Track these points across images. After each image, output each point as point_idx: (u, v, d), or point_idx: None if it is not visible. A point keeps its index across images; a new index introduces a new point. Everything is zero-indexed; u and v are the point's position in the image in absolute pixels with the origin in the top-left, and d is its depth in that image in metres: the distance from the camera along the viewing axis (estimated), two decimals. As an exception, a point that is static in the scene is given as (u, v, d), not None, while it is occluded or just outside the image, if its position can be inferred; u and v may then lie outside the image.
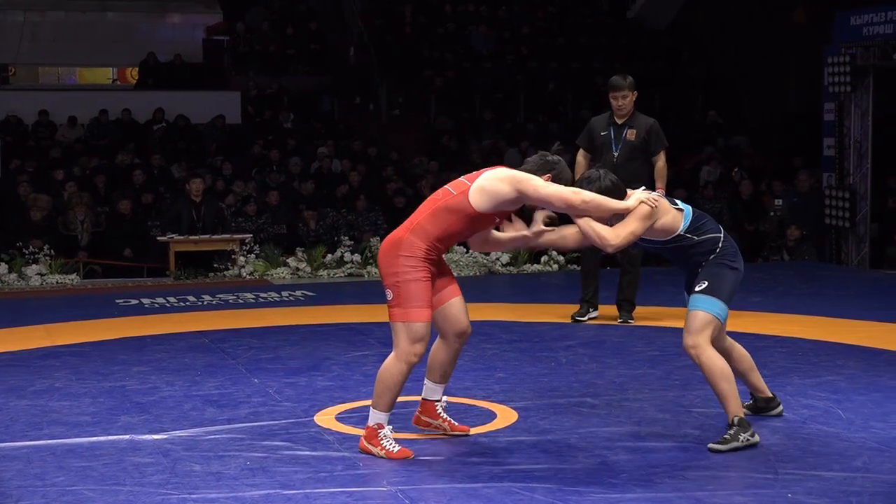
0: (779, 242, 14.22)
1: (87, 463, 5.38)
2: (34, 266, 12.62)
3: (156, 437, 5.84)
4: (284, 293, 11.36)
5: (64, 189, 15.54)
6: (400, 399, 5.53)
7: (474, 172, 5.54)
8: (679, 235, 5.64)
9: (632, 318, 9.20)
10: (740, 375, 5.92)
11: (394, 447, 5.39)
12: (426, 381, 5.77)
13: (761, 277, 11.97)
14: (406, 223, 5.50)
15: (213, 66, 22.16)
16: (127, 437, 5.86)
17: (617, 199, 5.49)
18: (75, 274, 12.85)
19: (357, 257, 13.08)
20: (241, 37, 22.22)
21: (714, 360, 5.53)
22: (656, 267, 13.42)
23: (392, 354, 5.42)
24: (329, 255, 13.20)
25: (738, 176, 16.83)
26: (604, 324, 9.17)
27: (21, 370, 7.62)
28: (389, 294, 5.40)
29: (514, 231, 5.69)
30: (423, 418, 5.81)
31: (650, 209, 5.50)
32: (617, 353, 7.97)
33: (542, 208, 5.54)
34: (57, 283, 12.49)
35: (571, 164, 9.31)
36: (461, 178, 5.54)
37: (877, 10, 13.75)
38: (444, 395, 5.83)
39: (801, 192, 15.11)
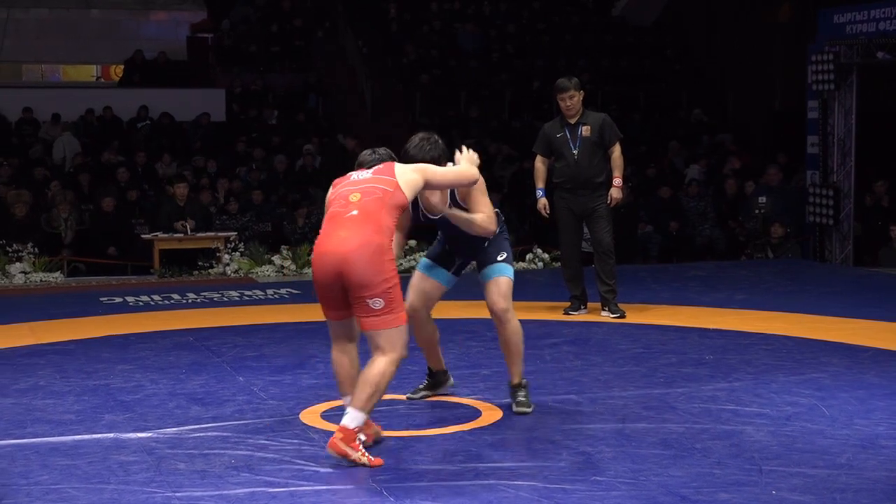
0: (763, 240, 14.25)
1: (71, 461, 5.37)
2: (18, 264, 12.58)
3: (140, 435, 5.83)
4: (269, 291, 11.35)
5: (48, 188, 15.49)
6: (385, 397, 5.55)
7: (376, 168, 5.52)
8: None
9: (621, 312, 9.26)
10: (430, 346, 6.39)
11: (371, 456, 5.25)
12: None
13: (745, 275, 12.00)
14: (370, 225, 5.23)
15: (198, 64, 22.09)
16: (111, 435, 5.84)
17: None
18: (59, 272, 12.82)
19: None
20: (225, 34, 22.17)
21: (518, 325, 6.13)
22: (641, 265, 13.47)
23: (384, 358, 5.25)
24: (314, 253, 13.17)
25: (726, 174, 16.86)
26: (588, 321, 9.19)
27: (5, 368, 7.60)
28: (380, 303, 5.19)
29: None
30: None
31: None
32: (601, 350, 7.98)
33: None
34: (41, 281, 12.45)
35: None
36: (373, 175, 5.45)
37: (860, 9, 13.79)
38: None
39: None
